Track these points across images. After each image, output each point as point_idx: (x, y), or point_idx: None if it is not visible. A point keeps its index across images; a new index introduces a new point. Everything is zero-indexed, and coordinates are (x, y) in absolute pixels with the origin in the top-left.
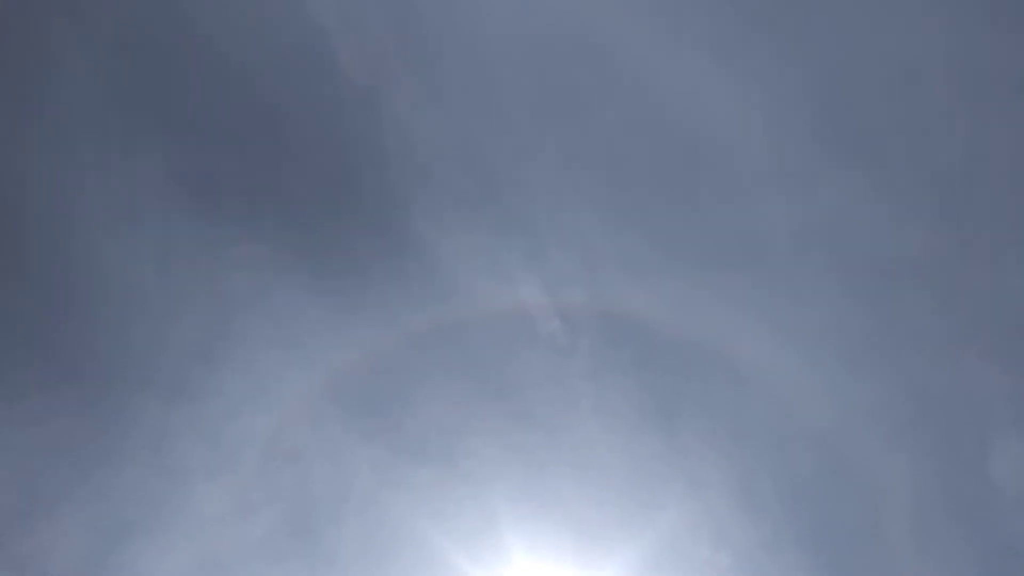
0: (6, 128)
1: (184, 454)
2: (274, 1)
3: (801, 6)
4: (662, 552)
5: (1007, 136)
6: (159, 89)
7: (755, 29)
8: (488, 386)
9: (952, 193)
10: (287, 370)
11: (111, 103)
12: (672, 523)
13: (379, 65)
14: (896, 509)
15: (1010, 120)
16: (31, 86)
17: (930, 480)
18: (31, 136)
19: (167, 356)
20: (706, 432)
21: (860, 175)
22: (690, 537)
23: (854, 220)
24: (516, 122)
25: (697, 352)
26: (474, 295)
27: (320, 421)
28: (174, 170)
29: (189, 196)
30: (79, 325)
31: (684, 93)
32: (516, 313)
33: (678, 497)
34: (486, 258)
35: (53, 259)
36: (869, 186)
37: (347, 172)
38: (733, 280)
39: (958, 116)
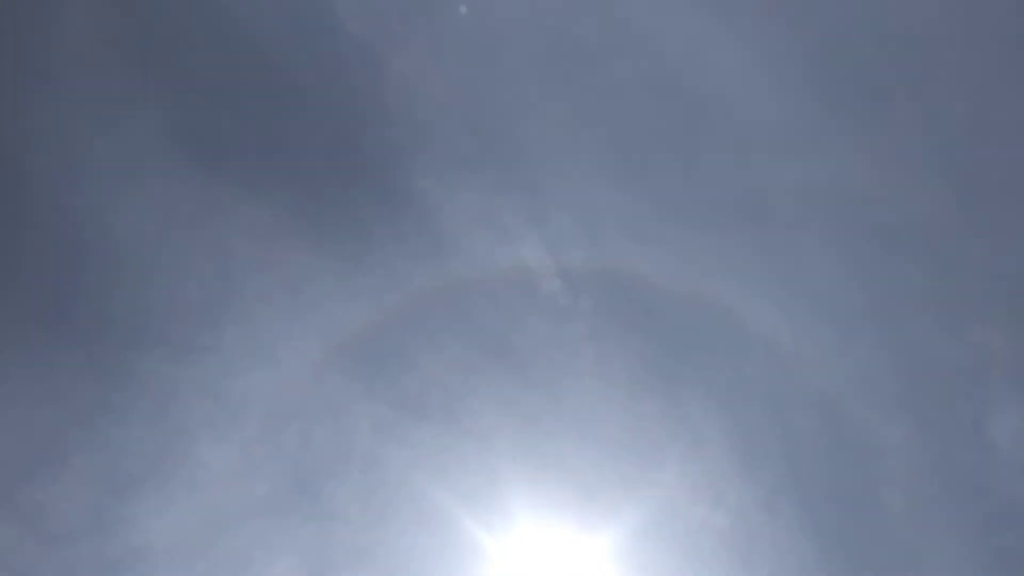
0: (7, 87)
1: (188, 411)
2: None
3: None
4: (661, 512)
5: (1011, 104)
6: (161, 47)
7: None
8: (489, 345)
9: (955, 160)
10: (290, 328)
11: (113, 61)
12: (671, 484)
13: (381, 23)
14: (894, 473)
15: (1014, 89)
16: (32, 44)
17: (928, 444)
18: (33, 94)
19: (171, 313)
20: (705, 394)
21: (863, 140)
22: (689, 497)
23: (856, 185)
24: (519, 81)
25: (697, 314)
26: (475, 254)
27: (322, 379)
28: (176, 128)
29: (192, 154)
30: (84, 282)
31: (688, 53)
32: (517, 273)
33: (677, 458)
34: (488, 217)
35: (57, 217)
36: (872, 151)
37: (349, 130)
38: (735, 242)
39: (962, 83)
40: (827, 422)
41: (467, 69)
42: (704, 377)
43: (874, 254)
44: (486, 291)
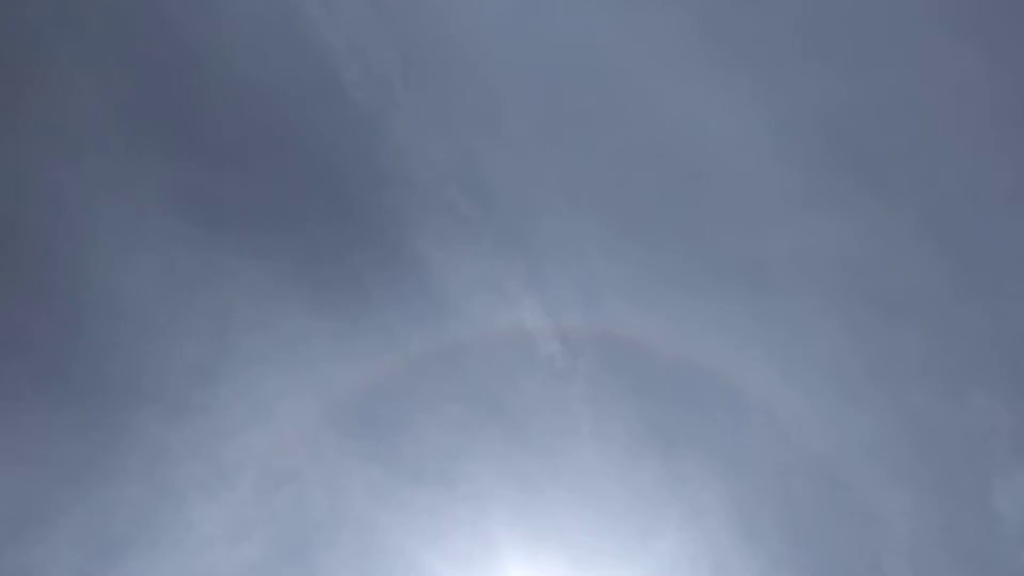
0: (10, 143)
1: (181, 472)
2: (279, 21)
3: (807, 35)
4: None
5: (1010, 170)
6: (163, 107)
7: (761, 57)
8: (486, 409)
9: (955, 226)
10: (286, 390)
11: (115, 120)
12: (670, 551)
13: (382, 85)
14: (896, 543)
15: (1013, 154)
16: (35, 101)
17: (931, 514)
18: (35, 152)
19: (167, 373)
20: (705, 460)
21: (862, 207)
22: (688, 566)
23: (855, 251)
24: (518, 144)
25: (697, 379)
26: (474, 317)
27: (317, 442)
28: (177, 189)
29: (192, 215)
30: (80, 341)
31: (688, 117)
32: (515, 336)
33: (676, 525)
34: (486, 280)
35: (55, 275)
36: (872, 217)
37: (349, 192)
38: (734, 307)
39: (961, 149)
40: (828, 490)
41: (468, 134)
42: (703, 443)
43: (874, 321)
44: (484, 354)
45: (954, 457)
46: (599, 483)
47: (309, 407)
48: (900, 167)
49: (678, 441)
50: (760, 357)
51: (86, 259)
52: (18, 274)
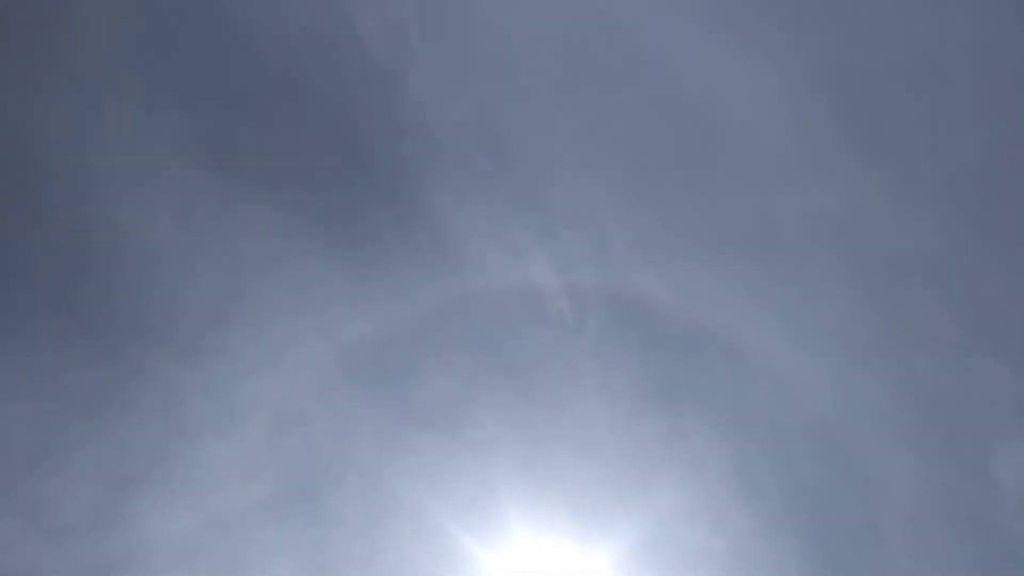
0: (28, 86)
1: (192, 411)
2: None
3: None
4: (659, 534)
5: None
6: (181, 51)
7: (779, 18)
8: (494, 359)
9: (967, 191)
10: (297, 335)
11: (132, 62)
12: (670, 505)
13: (399, 37)
14: (896, 505)
15: None
16: (52, 44)
17: (931, 478)
18: (48, 95)
19: (181, 314)
20: (708, 417)
21: (876, 169)
22: (688, 520)
23: (868, 214)
24: (533, 100)
25: (703, 337)
26: (484, 269)
27: (327, 387)
28: (194, 135)
29: (207, 159)
30: (96, 281)
31: (704, 77)
32: (525, 289)
33: (677, 480)
34: (498, 233)
35: (69, 215)
36: (884, 181)
37: (363, 143)
38: (744, 267)
39: (976, 114)
40: (829, 451)
41: (483, 86)
42: (707, 400)
43: (883, 284)
44: (493, 305)
45: (956, 423)
46: (602, 436)
47: (320, 352)
48: (913, 131)
49: (682, 398)
50: (767, 317)
51: (103, 202)
52: (36, 217)
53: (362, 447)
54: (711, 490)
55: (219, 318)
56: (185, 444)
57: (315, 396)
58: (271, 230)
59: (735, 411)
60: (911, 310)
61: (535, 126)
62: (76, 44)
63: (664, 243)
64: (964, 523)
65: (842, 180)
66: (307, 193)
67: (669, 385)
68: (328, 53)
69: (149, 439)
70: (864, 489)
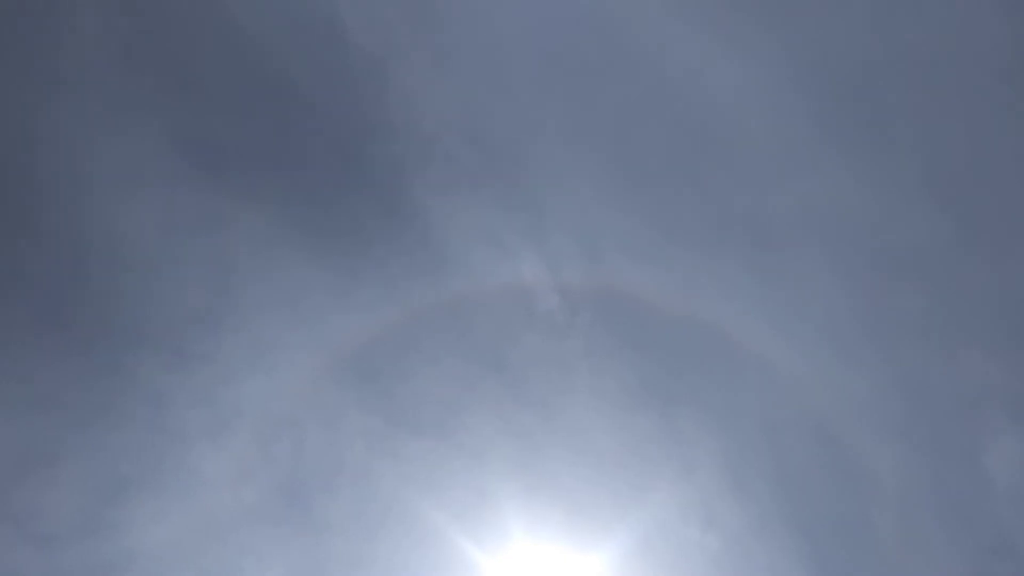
0: (16, 89)
1: (183, 417)
2: None
3: None
4: (653, 533)
5: (1010, 130)
6: (167, 54)
7: (764, 14)
8: (485, 361)
9: (954, 186)
10: (287, 340)
11: (120, 67)
12: (664, 505)
13: (388, 36)
14: (886, 499)
15: (1013, 114)
16: (40, 49)
17: (922, 471)
18: (39, 99)
19: (169, 318)
20: (699, 416)
21: (863, 165)
22: (681, 518)
23: (856, 210)
24: (522, 97)
25: (693, 335)
26: (474, 269)
27: (317, 391)
28: (180, 136)
29: (195, 163)
30: (84, 287)
31: (691, 75)
32: (515, 289)
33: (669, 479)
34: (487, 233)
35: (59, 220)
36: (872, 176)
37: (352, 143)
38: (733, 264)
39: (962, 108)
40: (820, 447)
41: (471, 85)
42: (699, 397)
43: (873, 278)
44: (483, 306)
45: (946, 416)
46: (595, 437)
47: (309, 357)
48: (900, 126)
49: (673, 397)
50: (757, 314)
51: (88, 204)
52: (20, 219)
53: (353, 451)
54: (703, 488)
55: (207, 323)
56: (175, 450)
57: (305, 401)
58: (259, 234)
59: (725, 408)
60: (900, 305)
61: (524, 123)
62: (60, 44)
63: (653, 240)
64: (954, 516)
65: (830, 176)
66: (294, 195)
67: (660, 384)
68: (314, 50)
69: (139, 445)
70: (854, 483)
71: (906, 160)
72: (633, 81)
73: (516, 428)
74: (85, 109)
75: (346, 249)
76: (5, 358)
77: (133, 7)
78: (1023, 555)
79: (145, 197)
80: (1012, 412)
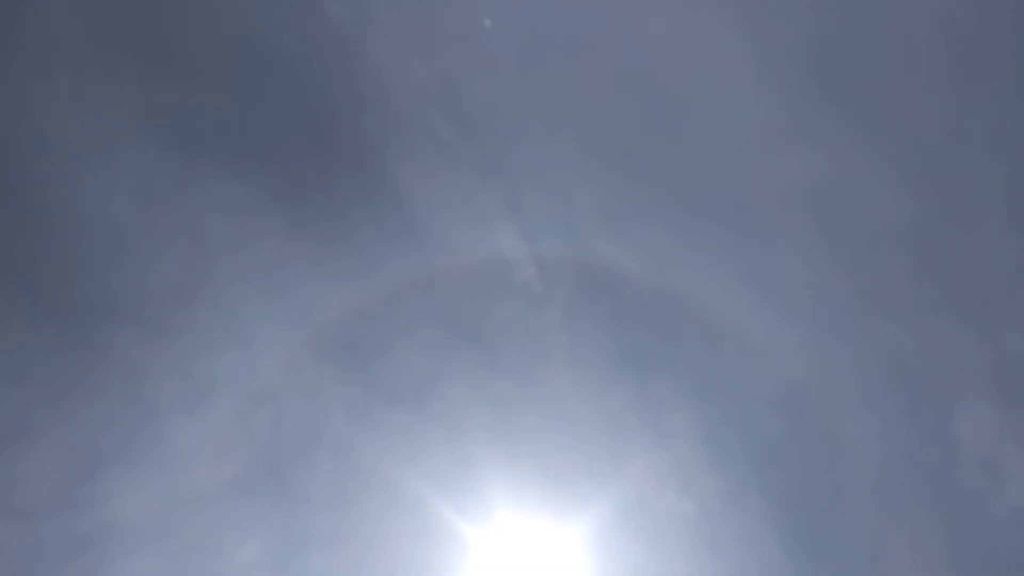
0: None
1: (159, 391)
2: None
3: None
4: (629, 500)
5: (988, 110)
6: (138, 21)
7: None
8: (463, 332)
9: (927, 164)
10: (263, 313)
11: (89, 32)
12: (639, 472)
13: (363, 6)
14: (858, 468)
15: (996, 93)
16: (10, 20)
17: (893, 441)
18: (9, 69)
19: (144, 292)
20: (676, 386)
21: (841, 142)
22: (656, 486)
23: (834, 184)
24: (499, 68)
25: (670, 307)
26: (451, 242)
27: (295, 364)
28: (152, 109)
29: (167, 132)
30: (57, 259)
31: (673, 45)
32: (492, 260)
33: (645, 448)
34: (464, 203)
35: (31, 193)
36: (854, 151)
37: (328, 114)
38: (712, 235)
39: (945, 86)
40: (794, 416)
41: (448, 56)
42: (674, 368)
43: (846, 253)
44: (460, 278)
45: (919, 387)
46: (573, 406)
47: (287, 330)
48: (878, 104)
49: (650, 367)
50: (733, 287)
51: (60, 176)
52: None
53: (332, 423)
54: (680, 456)
55: (184, 296)
56: (152, 423)
57: (283, 374)
58: (233, 207)
59: (702, 379)
60: (876, 277)
61: (499, 94)
62: (29, 15)
63: (632, 212)
64: (926, 483)
65: (807, 150)
66: (269, 166)
67: (637, 355)
68: (290, 20)
69: (115, 419)
70: (828, 451)
71: (881, 138)
72: (611, 54)
73: (495, 398)
74: (56, 80)
75: (322, 221)
76: None
77: None
78: (993, 521)
79: (118, 169)
80: (981, 383)
